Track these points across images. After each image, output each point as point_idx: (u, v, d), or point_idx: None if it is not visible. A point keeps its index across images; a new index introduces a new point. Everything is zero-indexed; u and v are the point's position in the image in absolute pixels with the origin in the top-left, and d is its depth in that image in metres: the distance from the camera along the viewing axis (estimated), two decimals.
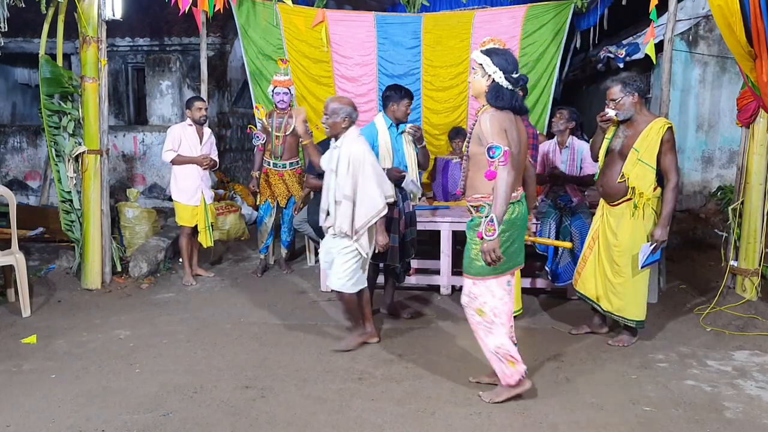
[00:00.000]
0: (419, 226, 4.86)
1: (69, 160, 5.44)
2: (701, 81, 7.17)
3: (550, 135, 5.80)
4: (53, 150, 5.49)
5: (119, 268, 5.77)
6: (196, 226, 5.78)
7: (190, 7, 6.08)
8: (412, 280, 4.94)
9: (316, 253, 6.10)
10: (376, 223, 3.95)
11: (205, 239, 5.81)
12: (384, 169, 4.19)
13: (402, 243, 4.53)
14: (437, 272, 5.39)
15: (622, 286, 4.08)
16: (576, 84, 10.01)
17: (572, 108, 5.37)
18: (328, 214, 4.02)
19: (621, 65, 7.41)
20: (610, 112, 4.01)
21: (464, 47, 6.52)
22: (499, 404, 3.33)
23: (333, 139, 3.99)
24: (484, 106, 3.27)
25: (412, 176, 4.56)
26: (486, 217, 3.16)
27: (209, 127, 5.95)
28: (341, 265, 3.96)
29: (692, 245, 6.64)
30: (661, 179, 3.98)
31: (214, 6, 6.17)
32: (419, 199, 5.52)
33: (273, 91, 5.83)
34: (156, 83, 8.61)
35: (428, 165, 5.59)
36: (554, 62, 6.46)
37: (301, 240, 6.62)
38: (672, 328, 4.54)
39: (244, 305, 5.11)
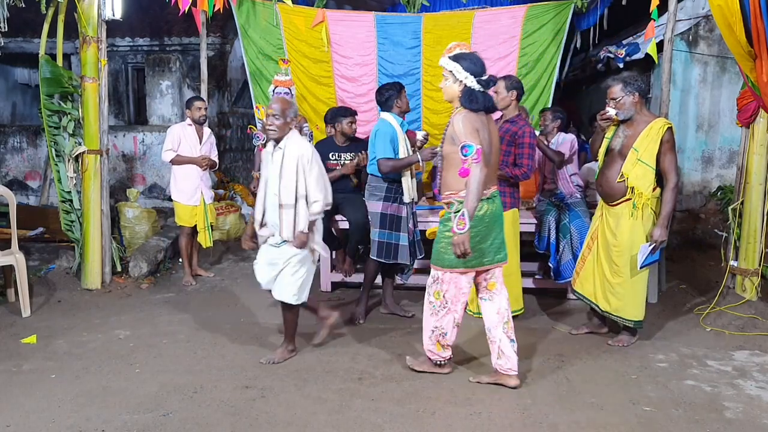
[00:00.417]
0: (420, 226, 4.87)
1: (69, 160, 5.44)
2: (701, 81, 7.17)
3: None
4: (53, 150, 5.49)
5: (119, 268, 5.77)
6: (195, 226, 5.78)
7: (190, 7, 6.08)
8: (411, 280, 4.94)
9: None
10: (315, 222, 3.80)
11: (205, 239, 5.81)
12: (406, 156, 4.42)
13: (411, 243, 4.57)
14: None
15: (621, 286, 4.08)
16: (576, 84, 10.00)
17: (555, 107, 5.55)
18: (262, 224, 3.79)
19: (621, 65, 7.40)
20: (611, 111, 4.01)
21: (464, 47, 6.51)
22: (498, 404, 3.34)
23: (273, 143, 3.74)
24: (457, 108, 3.46)
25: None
26: (457, 212, 3.32)
27: (209, 127, 5.95)
28: (292, 276, 3.72)
29: (692, 245, 6.64)
30: (660, 179, 3.98)
31: (214, 6, 6.17)
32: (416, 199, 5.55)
33: (273, 91, 5.83)
34: (156, 83, 8.61)
35: (429, 165, 5.63)
36: (554, 62, 6.45)
37: None
38: (672, 328, 4.54)
39: (244, 305, 5.11)
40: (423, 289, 5.34)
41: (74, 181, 5.48)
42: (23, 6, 5.09)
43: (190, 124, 5.71)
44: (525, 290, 5.23)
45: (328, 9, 6.70)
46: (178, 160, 5.62)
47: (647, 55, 5.54)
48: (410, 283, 4.97)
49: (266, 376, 3.68)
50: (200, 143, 5.72)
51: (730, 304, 4.69)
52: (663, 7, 5.16)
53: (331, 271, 5.48)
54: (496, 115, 4.66)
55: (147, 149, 8.55)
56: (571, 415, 3.23)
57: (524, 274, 5.58)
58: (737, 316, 4.56)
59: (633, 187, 3.96)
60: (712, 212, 7.07)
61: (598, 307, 4.22)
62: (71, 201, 5.52)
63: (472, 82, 3.37)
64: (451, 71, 3.42)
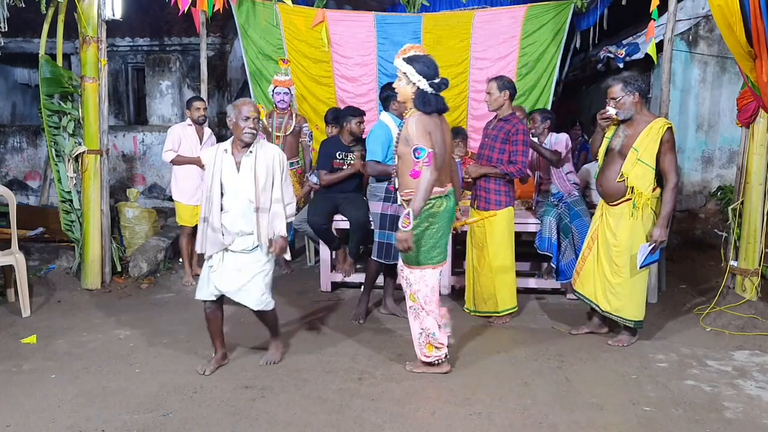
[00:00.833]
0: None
1: (69, 160, 5.44)
2: (701, 81, 7.17)
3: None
4: (53, 150, 5.49)
5: (119, 268, 5.77)
6: (196, 225, 5.77)
7: (190, 7, 6.08)
8: None
9: (317, 253, 6.11)
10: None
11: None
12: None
13: None
14: None
15: (621, 286, 4.08)
16: (576, 84, 10.00)
17: (543, 109, 5.62)
18: (223, 234, 3.58)
19: (621, 65, 7.40)
20: (611, 110, 4.01)
21: (464, 47, 6.52)
22: (498, 404, 3.34)
23: (230, 148, 3.61)
24: (410, 109, 3.57)
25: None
26: (424, 211, 3.51)
27: (209, 127, 5.95)
28: (261, 282, 3.64)
29: (692, 245, 6.64)
30: (660, 179, 3.98)
31: (214, 6, 6.17)
32: None
33: (273, 90, 5.84)
34: (156, 83, 8.61)
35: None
36: (554, 62, 6.45)
37: (301, 240, 6.62)
38: (672, 328, 4.54)
39: (243, 305, 5.10)
40: None
41: (74, 181, 5.48)
42: (23, 6, 5.09)
43: (190, 125, 5.71)
44: (525, 290, 5.25)
45: (328, 9, 6.70)
46: (178, 161, 5.62)
47: (647, 55, 5.54)
48: None
49: (266, 376, 3.68)
50: (200, 143, 5.72)
51: (730, 304, 4.69)
52: (663, 7, 5.16)
53: (331, 271, 5.48)
54: (491, 114, 4.69)
55: (147, 149, 8.55)
56: (571, 415, 3.23)
57: (524, 274, 5.60)
58: (737, 316, 4.56)
59: (633, 187, 3.96)
60: (712, 212, 7.07)
61: (598, 307, 4.21)
62: (71, 201, 5.52)
63: (424, 84, 3.47)
64: (405, 73, 3.50)
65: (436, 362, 3.72)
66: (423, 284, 3.64)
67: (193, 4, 6.10)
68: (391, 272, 4.80)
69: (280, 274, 6.03)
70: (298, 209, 5.80)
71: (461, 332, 4.47)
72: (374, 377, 3.69)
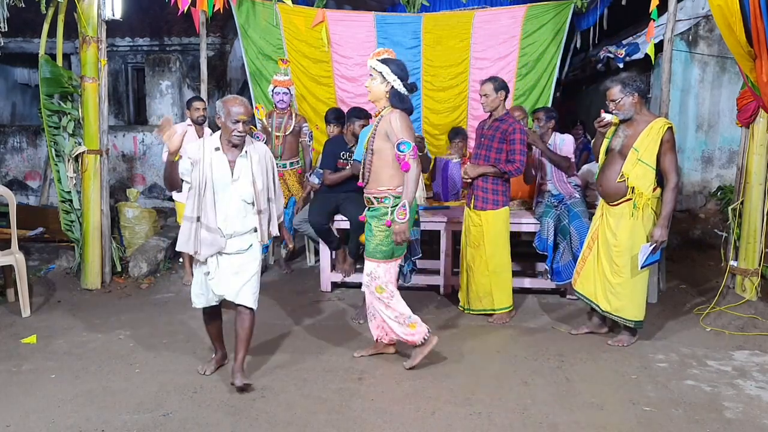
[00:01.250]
0: (421, 226, 4.87)
1: (69, 160, 5.44)
2: (701, 81, 7.17)
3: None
4: (53, 150, 5.49)
5: (119, 268, 5.77)
6: None
7: (190, 7, 6.08)
8: (413, 280, 4.94)
9: (317, 253, 6.10)
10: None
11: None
12: None
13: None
14: (437, 272, 5.39)
15: (621, 286, 4.08)
16: (576, 84, 10.00)
17: (547, 107, 5.51)
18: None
19: (621, 65, 7.40)
20: (607, 117, 4.04)
21: (464, 47, 6.52)
22: (498, 404, 3.34)
23: (237, 148, 3.46)
24: (385, 107, 3.73)
25: None
26: (394, 206, 3.65)
27: (209, 127, 5.95)
28: (257, 281, 3.53)
29: (692, 245, 6.64)
30: (660, 179, 3.98)
31: (214, 6, 6.17)
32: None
33: (273, 91, 5.84)
34: (156, 83, 8.61)
35: (428, 169, 5.62)
36: (554, 62, 6.45)
37: (301, 240, 6.61)
38: (672, 328, 4.54)
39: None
40: (424, 289, 5.41)
41: (74, 181, 5.48)
42: (23, 6, 5.09)
43: (191, 125, 5.71)
44: (525, 290, 5.25)
45: (328, 9, 6.70)
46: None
47: (647, 54, 5.54)
48: (411, 283, 4.96)
49: (266, 376, 3.68)
50: None
51: (730, 304, 4.69)
52: (663, 7, 5.16)
53: (331, 271, 5.48)
54: (485, 114, 4.69)
55: (147, 149, 8.55)
56: (571, 415, 3.23)
57: (525, 274, 5.60)
58: (737, 316, 4.56)
59: (633, 187, 3.96)
60: (712, 212, 7.07)
61: (598, 307, 4.21)
62: (71, 201, 5.52)
63: (399, 85, 3.66)
64: (380, 72, 3.67)
65: (425, 340, 3.77)
66: (387, 275, 3.78)
67: (193, 4, 6.10)
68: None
69: (280, 274, 6.03)
70: (299, 209, 5.81)
71: (461, 332, 4.47)
72: (374, 377, 3.69)
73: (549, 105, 6.47)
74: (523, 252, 5.59)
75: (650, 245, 3.94)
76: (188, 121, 5.74)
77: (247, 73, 6.69)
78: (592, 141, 4.48)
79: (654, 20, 5.17)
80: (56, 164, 5.49)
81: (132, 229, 6.44)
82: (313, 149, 6.15)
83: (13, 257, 4.78)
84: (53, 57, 5.48)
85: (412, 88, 3.73)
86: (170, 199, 6.02)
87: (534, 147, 5.06)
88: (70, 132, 5.47)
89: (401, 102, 3.70)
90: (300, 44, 6.58)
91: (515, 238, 4.93)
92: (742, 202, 4.76)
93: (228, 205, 3.43)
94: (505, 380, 3.64)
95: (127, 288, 5.55)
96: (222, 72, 9.11)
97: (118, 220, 6.50)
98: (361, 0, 8.43)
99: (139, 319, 4.75)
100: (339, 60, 6.63)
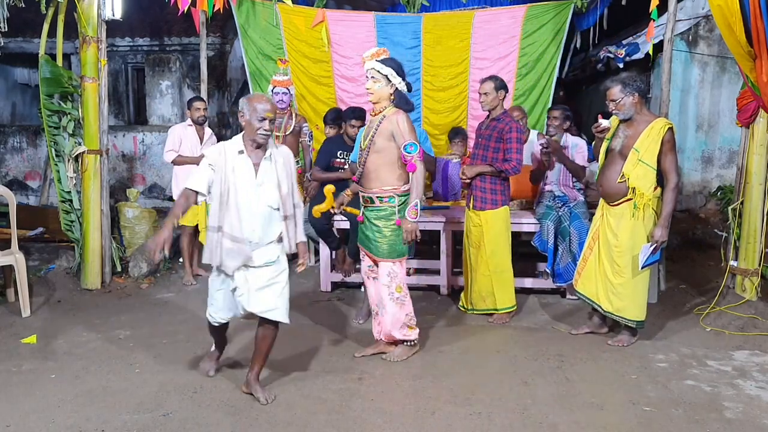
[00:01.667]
0: (419, 227, 4.86)
1: (69, 160, 5.44)
2: (701, 81, 7.17)
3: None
4: (53, 150, 5.49)
5: (119, 268, 5.77)
6: (197, 225, 5.78)
7: (190, 7, 6.08)
8: (412, 280, 4.95)
9: (317, 253, 6.10)
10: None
11: (206, 239, 5.80)
12: None
13: None
14: (437, 272, 5.39)
15: (623, 286, 4.08)
16: (576, 84, 10.00)
17: (564, 106, 5.39)
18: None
19: (621, 65, 7.40)
20: (604, 122, 4.05)
21: (464, 47, 6.51)
22: (498, 404, 3.34)
23: (261, 149, 3.29)
24: (387, 108, 3.75)
25: None
26: (399, 204, 3.75)
27: (209, 127, 5.95)
28: (288, 293, 3.36)
29: (692, 245, 6.64)
30: (661, 179, 3.98)
31: (214, 6, 6.17)
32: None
33: (272, 91, 5.83)
34: (156, 83, 8.61)
35: (434, 170, 5.61)
36: (554, 62, 6.45)
37: None
38: (672, 328, 4.53)
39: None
40: (423, 289, 5.41)
41: (74, 181, 5.48)
42: (23, 6, 5.09)
43: (191, 125, 5.72)
44: (525, 290, 5.24)
45: (328, 9, 6.70)
46: (179, 161, 5.63)
47: (647, 54, 5.53)
48: (410, 283, 4.95)
49: (266, 376, 3.68)
50: (201, 143, 5.73)
51: (730, 304, 4.69)
52: (663, 7, 5.16)
53: (331, 271, 5.48)
54: (483, 114, 4.69)
55: (147, 149, 8.55)
56: (571, 415, 3.23)
57: (525, 274, 5.60)
58: (737, 316, 4.56)
59: (634, 188, 3.95)
60: (712, 212, 7.07)
61: (600, 307, 4.21)
62: (71, 201, 5.52)
63: (403, 86, 3.74)
64: (386, 75, 3.69)
65: (414, 342, 3.95)
66: (403, 273, 3.90)
67: (193, 4, 6.10)
68: None
69: None
70: None
71: (461, 332, 4.47)
72: (374, 377, 3.69)
73: (549, 105, 6.47)
74: (524, 252, 5.59)
75: (651, 245, 3.94)
76: (188, 121, 5.75)
77: (247, 73, 6.68)
78: (593, 144, 4.48)
79: (654, 20, 5.17)
80: (56, 164, 5.49)
81: (132, 229, 6.44)
82: (313, 149, 6.15)
83: (13, 257, 4.78)
84: (53, 57, 5.48)
85: (410, 87, 3.82)
86: (170, 199, 6.02)
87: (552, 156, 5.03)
88: (70, 132, 5.47)
89: (406, 103, 3.79)
90: (300, 44, 6.57)
91: (516, 238, 4.93)
92: (742, 202, 4.76)
93: (253, 212, 3.22)
94: (505, 380, 3.64)
95: (127, 288, 5.55)
96: (222, 72, 9.11)
97: (118, 220, 6.50)
98: (361, 0, 8.43)
99: (139, 319, 4.76)
100: (339, 60, 6.63)
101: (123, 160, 8.57)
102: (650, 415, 3.22)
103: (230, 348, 4.14)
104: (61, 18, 5.42)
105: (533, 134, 5.85)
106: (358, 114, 5.19)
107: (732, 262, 4.82)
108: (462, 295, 4.92)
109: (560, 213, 5.02)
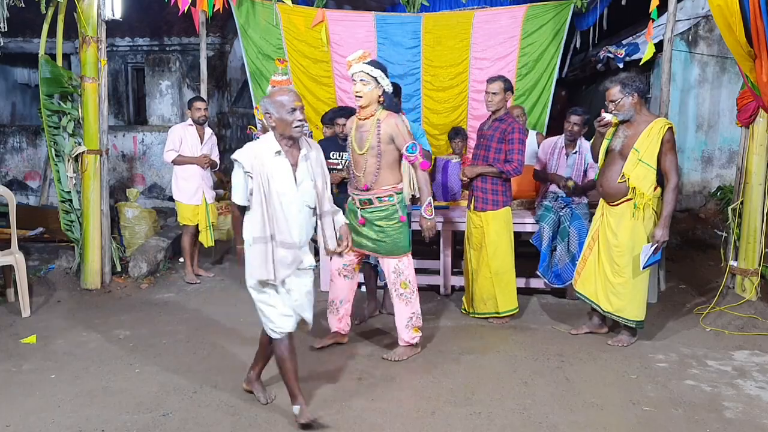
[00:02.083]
0: (416, 226, 4.86)
1: (69, 160, 5.44)
2: (701, 81, 7.17)
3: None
4: (53, 150, 5.49)
5: (119, 268, 5.77)
6: (197, 225, 5.78)
7: (190, 7, 6.08)
8: None
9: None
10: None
11: (206, 239, 5.82)
12: None
13: None
14: (437, 272, 5.39)
15: (622, 286, 4.08)
16: (576, 84, 10.00)
17: (582, 109, 5.21)
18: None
19: (621, 65, 7.40)
20: (607, 116, 4.03)
21: (464, 47, 6.51)
22: (498, 404, 3.34)
23: (296, 148, 3.15)
24: (377, 110, 3.80)
25: None
26: (399, 201, 3.85)
27: (209, 127, 5.95)
28: (312, 297, 3.28)
29: (692, 245, 6.64)
30: (661, 179, 3.98)
31: (214, 6, 6.17)
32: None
33: None
34: (156, 83, 8.61)
35: (430, 165, 5.62)
36: (554, 62, 6.45)
37: None
38: (672, 328, 4.54)
39: (243, 305, 5.09)
40: (423, 289, 5.38)
41: (74, 181, 5.48)
42: (23, 6, 5.09)
43: (191, 125, 5.72)
44: (525, 290, 5.24)
45: (327, 9, 6.69)
46: (179, 161, 5.63)
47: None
48: None
49: (266, 376, 3.67)
50: (201, 143, 5.73)
51: (730, 304, 4.69)
52: (663, 7, 5.16)
53: None
54: (485, 115, 4.69)
55: (147, 149, 8.55)
56: (571, 415, 3.23)
57: (525, 274, 5.59)
58: (737, 316, 4.56)
59: (634, 188, 3.95)
60: (712, 212, 7.07)
61: (599, 307, 4.21)
62: (71, 201, 5.51)
63: (389, 87, 3.82)
64: (375, 77, 3.73)
65: (417, 343, 3.99)
66: (410, 268, 3.94)
67: (193, 4, 6.10)
68: None
69: None
70: None
71: (461, 332, 4.47)
72: (374, 377, 3.69)
73: (549, 105, 6.47)
74: (524, 252, 5.58)
75: (652, 245, 3.94)
76: (189, 121, 5.75)
77: (247, 73, 6.68)
78: (591, 142, 4.47)
79: (654, 20, 5.17)
80: (56, 164, 5.49)
81: (132, 229, 6.44)
82: None
83: (13, 257, 4.78)
84: (53, 57, 5.47)
85: (398, 88, 4.00)
86: (170, 199, 6.03)
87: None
88: (70, 132, 5.47)
89: (393, 105, 3.92)
90: (300, 44, 6.57)
91: (516, 238, 4.92)
92: (742, 202, 4.76)
93: (296, 214, 3.09)
94: (505, 380, 3.64)
95: (127, 288, 5.55)
96: (222, 72, 9.11)
97: (118, 220, 6.50)
98: (361, 0, 8.43)
99: (139, 319, 4.75)
100: (339, 60, 6.62)
101: (123, 160, 8.57)
102: (650, 415, 3.22)
103: (232, 348, 4.15)
104: (60, 18, 5.42)
105: (532, 135, 5.85)
106: (344, 113, 5.19)
107: (732, 262, 4.82)
108: (464, 297, 4.91)
109: (561, 214, 5.01)
